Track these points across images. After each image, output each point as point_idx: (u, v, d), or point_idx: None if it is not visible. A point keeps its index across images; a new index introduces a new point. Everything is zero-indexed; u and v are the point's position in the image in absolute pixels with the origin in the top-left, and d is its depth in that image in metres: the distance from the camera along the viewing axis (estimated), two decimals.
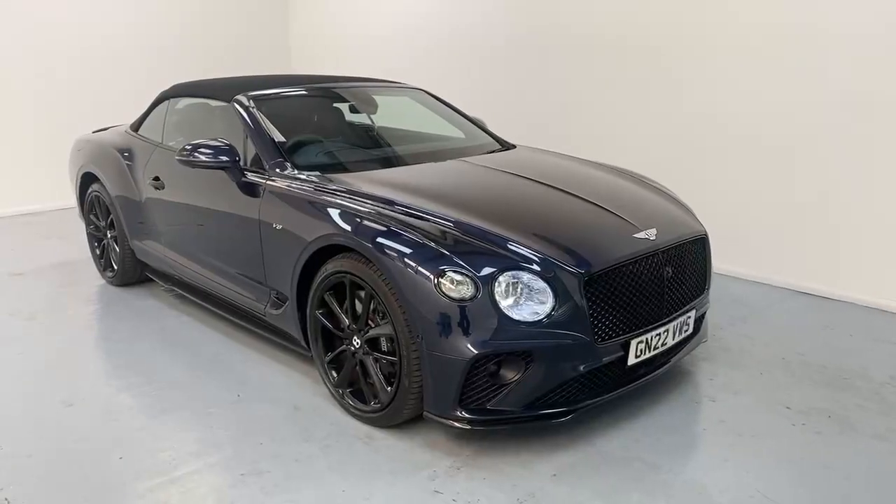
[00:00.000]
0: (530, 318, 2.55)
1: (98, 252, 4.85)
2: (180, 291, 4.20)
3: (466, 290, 2.53)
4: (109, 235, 4.66)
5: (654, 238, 2.89)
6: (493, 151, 3.98)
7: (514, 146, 4.16)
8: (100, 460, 2.71)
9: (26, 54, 6.83)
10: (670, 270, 2.91)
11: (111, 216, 4.55)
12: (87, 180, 4.79)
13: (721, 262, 4.69)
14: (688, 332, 3.09)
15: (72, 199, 5.15)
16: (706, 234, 3.26)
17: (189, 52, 7.85)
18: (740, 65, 4.62)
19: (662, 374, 3.09)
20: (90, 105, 7.17)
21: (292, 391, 3.24)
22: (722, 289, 4.54)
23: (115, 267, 4.65)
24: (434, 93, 4.59)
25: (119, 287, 4.70)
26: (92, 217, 4.83)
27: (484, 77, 6.38)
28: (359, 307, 2.89)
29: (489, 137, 4.26)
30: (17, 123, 6.88)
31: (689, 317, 3.04)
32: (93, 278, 4.89)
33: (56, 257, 5.43)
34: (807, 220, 4.48)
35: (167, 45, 7.73)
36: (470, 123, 4.39)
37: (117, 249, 4.57)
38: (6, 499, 2.47)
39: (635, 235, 2.87)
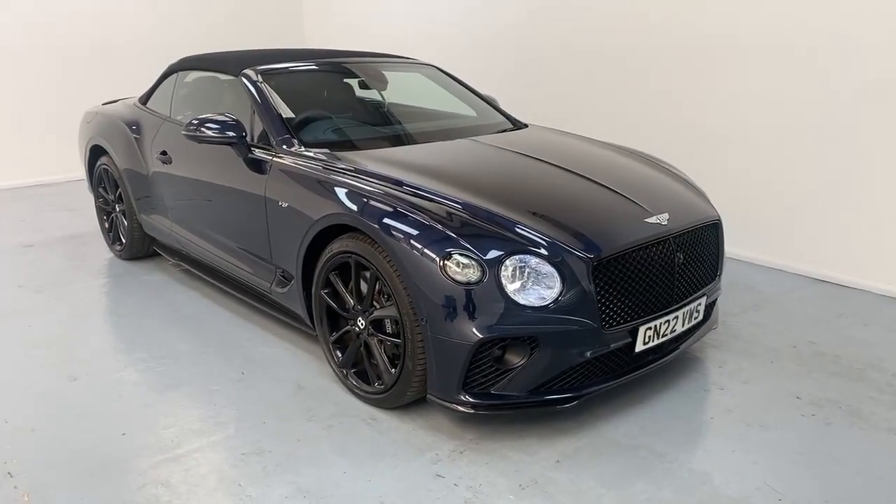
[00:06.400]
0: (537, 303, 2.51)
1: (107, 225, 4.85)
2: (188, 267, 4.19)
3: (472, 274, 2.49)
4: (118, 209, 4.65)
5: (665, 223, 2.83)
6: (504, 130, 3.91)
7: (525, 125, 4.08)
8: (103, 436, 2.72)
9: (39, 26, 6.79)
10: (682, 256, 2.85)
11: (119, 189, 4.53)
12: (95, 153, 4.77)
13: (735, 247, 4.62)
14: (698, 319, 3.03)
15: (82, 172, 5.14)
16: (719, 220, 3.19)
17: (202, 25, 7.78)
18: (757, 48, 4.50)
19: (671, 361, 3.05)
20: (102, 76, 7.15)
21: (297, 370, 3.23)
22: (735, 274, 4.47)
23: (124, 241, 4.64)
24: (446, 70, 4.51)
25: (127, 261, 4.70)
26: (100, 190, 4.82)
27: (498, 55, 6.27)
28: (364, 288, 2.86)
29: (501, 116, 4.19)
30: (29, 94, 6.87)
31: (700, 303, 2.98)
32: (101, 251, 4.89)
33: (66, 229, 5.44)
34: (823, 205, 4.38)
35: (180, 19, 7.66)
36: (482, 101, 4.31)
37: (125, 223, 4.56)
38: (9, 472, 2.48)
39: (646, 220, 2.81)
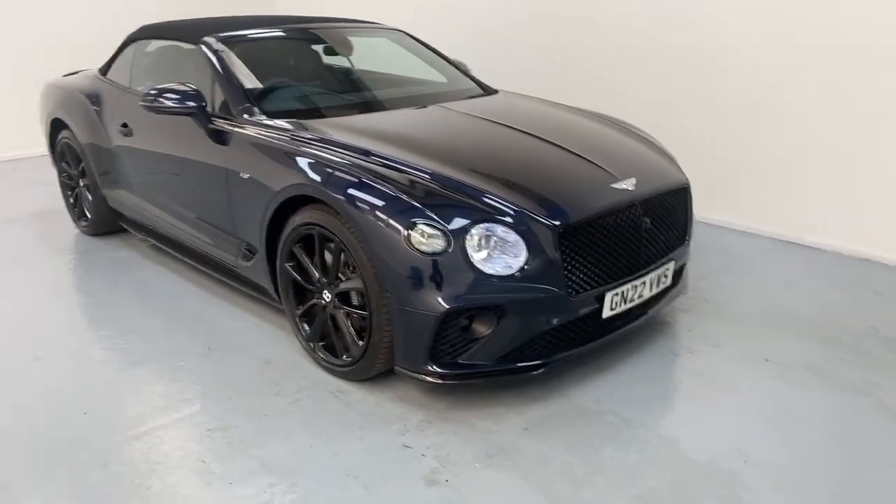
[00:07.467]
0: (503, 272, 2.47)
1: (71, 201, 4.73)
2: (154, 242, 4.10)
3: (437, 244, 2.45)
4: (82, 184, 4.53)
5: (632, 188, 2.79)
6: (474, 97, 3.84)
7: (496, 91, 4.01)
8: (65, 415, 2.67)
9: None
10: (649, 221, 2.82)
11: (82, 164, 4.42)
12: (56, 126, 4.64)
13: (707, 210, 4.61)
14: (666, 284, 3.02)
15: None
16: (688, 184, 3.16)
17: None
18: (728, 13, 4.43)
19: (639, 326, 3.04)
20: (68, 46, 6.91)
21: (265, 344, 3.18)
22: (707, 238, 4.46)
23: (89, 216, 4.54)
24: (415, 35, 4.41)
25: (93, 237, 4.60)
26: (63, 165, 4.69)
27: (473, 20, 6.14)
28: (329, 260, 2.81)
29: (471, 82, 4.11)
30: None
31: (668, 269, 2.97)
32: (68, 227, 4.78)
33: (33, 206, 5.31)
34: (796, 167, 4.37)
35: None
36: (452, 67, 4.23)
37: (90, 198, 4.45)
38: None
39: (613, 185, 2.77)
